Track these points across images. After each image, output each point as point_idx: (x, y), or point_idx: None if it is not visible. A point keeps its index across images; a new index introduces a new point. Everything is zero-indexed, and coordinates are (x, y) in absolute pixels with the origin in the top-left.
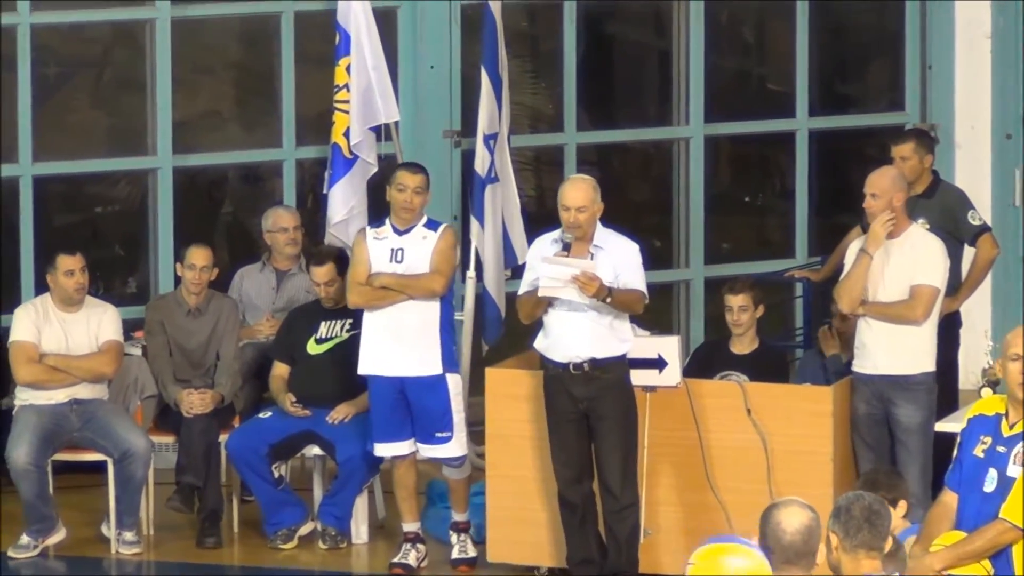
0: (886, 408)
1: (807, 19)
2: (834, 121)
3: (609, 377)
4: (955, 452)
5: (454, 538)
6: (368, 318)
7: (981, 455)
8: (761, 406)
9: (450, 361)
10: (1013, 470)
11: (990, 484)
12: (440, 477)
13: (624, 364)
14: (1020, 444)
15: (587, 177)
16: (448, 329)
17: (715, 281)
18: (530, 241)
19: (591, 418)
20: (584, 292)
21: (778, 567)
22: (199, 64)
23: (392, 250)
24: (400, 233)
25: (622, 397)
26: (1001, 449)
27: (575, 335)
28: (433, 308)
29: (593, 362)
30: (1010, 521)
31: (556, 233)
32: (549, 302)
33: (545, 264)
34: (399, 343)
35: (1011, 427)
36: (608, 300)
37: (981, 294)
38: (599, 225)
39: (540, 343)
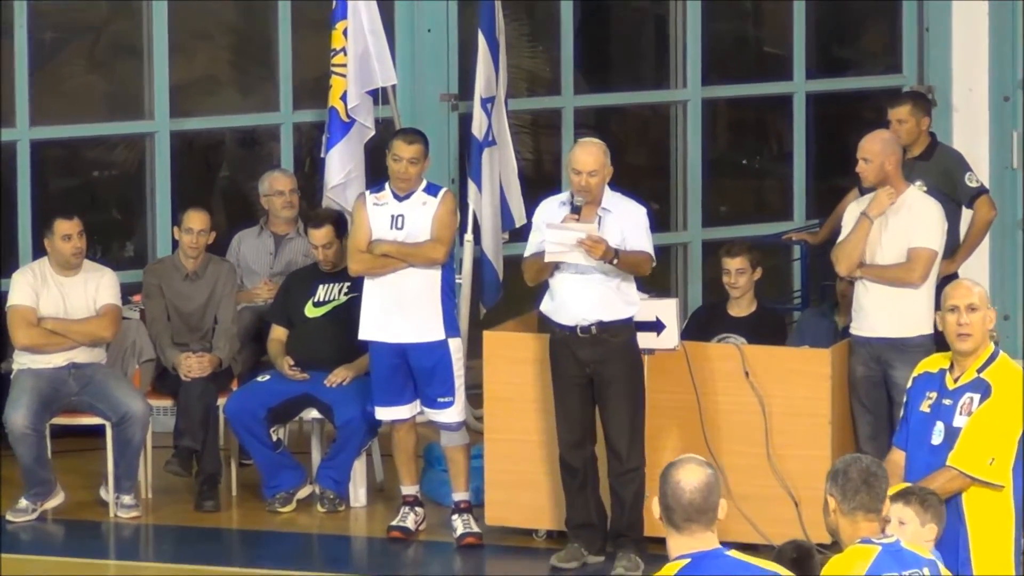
0: (884, 370)
1: None
2: (831, 84)
3: (616, 340)
4: (901, 412)
5: (456, 520)
6: (369, 284)
7: (927, 410)
8: (759, 369)
9: (452, 325)
10: (959, 421)
11: (937, 437)
12: (439, 441)
13: (631, 327)
14: (966, 395)
15: (598, 141)
16: (449, 293)
17: (713, 244)
18: (528, 204)
19: (597, 382)
20: (591, 255)
21: (681, 525)
22: (196, 28)
23: (392, 216)
24: (400, 199)
25: (629, 360)
26: (947, 402)
27: (582, 298)
28: (434, 274)
29: (600, 325)
30: (958, 468)
31: (563, 196)
32: (555, 264)
33: (550, 230)
34: (401, 309)
35: (955, 380)
36: (615, 262)
37: (979, 256)
38: (607, 188)
39: (546, 306)
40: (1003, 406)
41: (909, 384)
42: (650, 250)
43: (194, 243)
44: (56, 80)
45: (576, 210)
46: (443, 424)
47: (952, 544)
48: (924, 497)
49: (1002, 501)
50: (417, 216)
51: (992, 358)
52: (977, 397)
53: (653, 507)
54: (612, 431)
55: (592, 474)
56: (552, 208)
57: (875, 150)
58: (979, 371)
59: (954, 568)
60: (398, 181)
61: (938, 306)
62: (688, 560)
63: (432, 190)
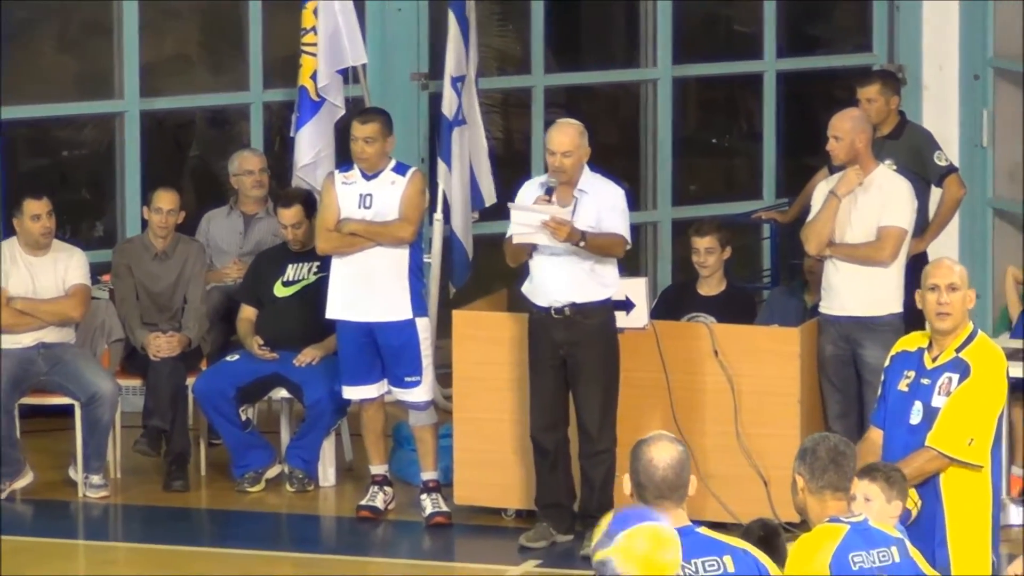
0: (853, 349)
1: None
2: (802, 63)
3: (591, 322)
4: (880, 391)
5: (425, 499)
6: (336, 263)
7: (905, 389)
8: (728, 348)
9: (419, 305)
10: (938, 400)
11: (916, 416)
12: (408, 420)
13: (607, 309)
14: (944, 375)
15: (574, 122)
16: (417, 273)
17: (683, 223)
18: (498, 184)
19: (571, 363)
20: (555, 237)
21: (653, 503)
22: (166, 7)
23: (360, 195)
24: (368, 178)
25: (604, 342)
26: (925, 381)
27: (555, 279)
28: (402, 253)
29: (574, 306)
30: (936, 448)
31: (544, 177)
32: (533, 246)
33: (516, 211)
34: (368, 288)
35: (934, 360)
36: (582, 244)
37: (948, 235)
38: (586, 169)
39: (526, 287)
40: (982, 386)
41: (887, 363)
42: (625, 232)
43: (163, 223)
44: (26, 59)
45: (549, 191)
46: (411, 404)
47: (929, 524)
48: (889, 474)
49: (980, 481)
50: (385, 195)
51: (971, 338)
52: (956, 377)
53: (624, 484)
54: (584, 412)
55: (563, 455)
56: (533, 189)
57: (846, 128)
58: (958, 351)
59: (931, 548)
60: (358, 161)
61: (910, 285)
62: None
63: (401, 169)
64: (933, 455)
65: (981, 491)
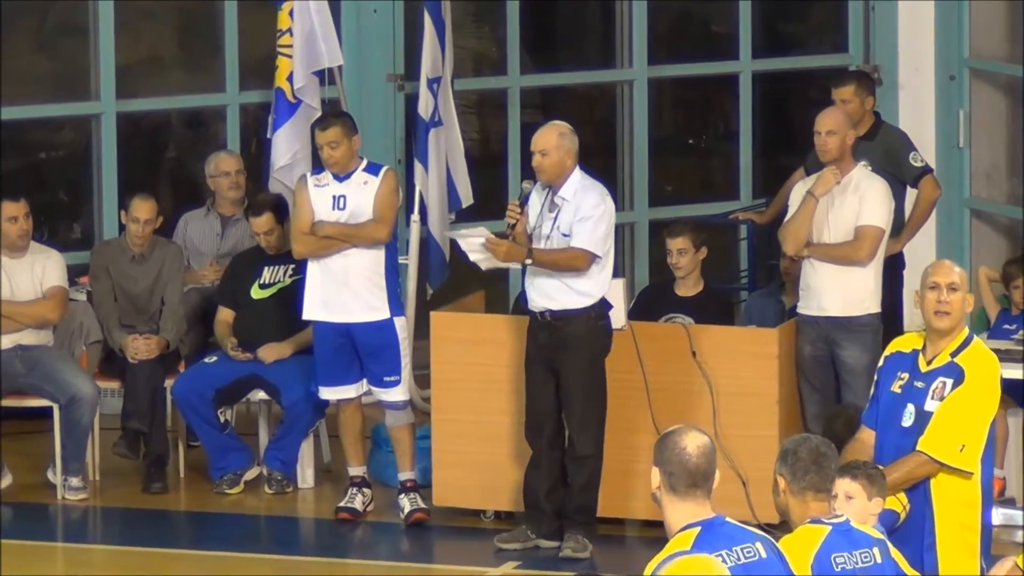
0: (831, 350)
1: None
2: (777, 63)
3: (569, 330)
4: (872, 390)
5: (403, 499)
6: (312, 264)
7: (899, 391)
8: (706, 349)
9: (396, 304)
10: (931, 404)
11: (908, 419)
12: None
13: (586, 318)
14: (938, 379)
15: (560, 123)
16: (393, 272)
17: (659, 224)
18: (474, 184)
19: (554, 367)
20: (496, 258)
21: (685, 493)
22: (142, 7)
23: (334, 197)
24: (340, 179)
25: (583, 351)
26: (919, 384)
27: (535, 286)
28: (379, 253)
29: (551, 313)
30: (928, 453)
31: (529, 182)
32: None
33: (460, 240)
34: (346, 289)
35: (928, 363)
36: (528, 262)
37: (926, 235)
38: (577, 175)
39: None
40: (976, 393)
41: (880, 363)
42: (588, 246)
43: (140, 232)
44: (1, 60)
45: (523, 200)
46: (389, 403)
47: (918, 528)
48: (870, 472)
49: (970, 488)
50: (359, 196)
51: (966, 343)
52: (950, 382)
53: (652, 478)
54: (566, 416)
55: (548, 457)
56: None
57: (839, 121)
58: (953, 355)
59: (919, 552)
60: (327, 166)
61: (886, 286)
62: (699, 528)
63: (373, 169)
64: (924, 460)
65: (970, 497)
